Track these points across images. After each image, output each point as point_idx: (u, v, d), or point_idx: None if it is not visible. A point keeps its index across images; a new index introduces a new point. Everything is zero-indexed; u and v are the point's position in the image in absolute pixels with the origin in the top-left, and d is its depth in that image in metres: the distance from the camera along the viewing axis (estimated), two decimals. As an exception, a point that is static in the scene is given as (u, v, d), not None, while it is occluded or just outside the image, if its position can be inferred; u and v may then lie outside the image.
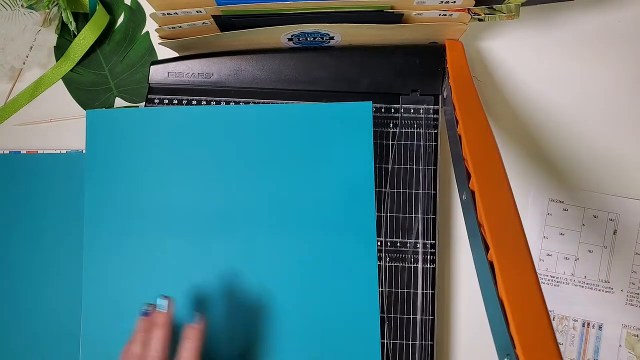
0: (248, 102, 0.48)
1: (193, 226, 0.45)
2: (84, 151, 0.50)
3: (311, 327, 0.44)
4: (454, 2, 0.40)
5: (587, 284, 0.47)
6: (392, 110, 0.47)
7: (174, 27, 0.44)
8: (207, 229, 0.45)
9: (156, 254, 0.45)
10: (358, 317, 0.44)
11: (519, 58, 0.50)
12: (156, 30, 0.44)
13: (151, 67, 0.49)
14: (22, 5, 0.50)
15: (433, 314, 0.45)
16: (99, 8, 0.51)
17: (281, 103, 0.48)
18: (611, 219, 0.47)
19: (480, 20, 0.46)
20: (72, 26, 0.51)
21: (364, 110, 0.46)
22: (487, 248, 0.32)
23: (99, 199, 0.46)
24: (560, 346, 0.47)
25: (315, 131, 0.46)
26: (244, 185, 0.45)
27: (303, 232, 0.45)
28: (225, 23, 0.43)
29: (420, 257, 0.45)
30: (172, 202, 0.45)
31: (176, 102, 0.48)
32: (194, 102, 0.48)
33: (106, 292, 0.45)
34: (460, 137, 0.39)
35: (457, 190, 0.40)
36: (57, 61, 0.52)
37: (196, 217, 0.45)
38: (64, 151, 0.50)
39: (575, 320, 0.47)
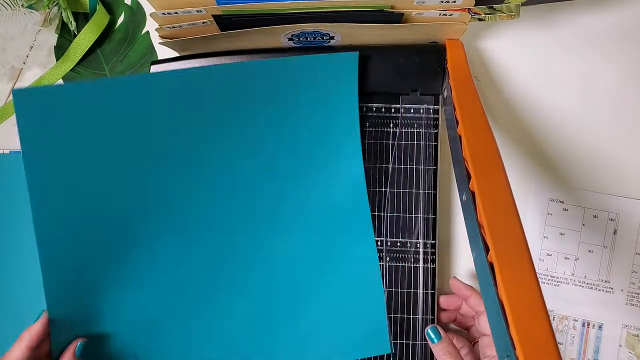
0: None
1: (170, 215, 0.41)
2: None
3: (317, 312, 0.45)
4: (454, 2, 0.40)
5: (587, 284, 0.47)
6: (392, 110, 0.47)
7: (174, 27, 0.44)
8: (186, 212, 0.42)
9: (137, 252, 0.41)
10: (364, 298, 0.45)
11: (519, 58, 0.50)
12: (156, 29, 0.44)
13: (151, 66, 0.49)
14: (22, 5, 0.50)
15: (433, 313, 0.45)
16: (99, 8, 0.51)
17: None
18: (611, 219, 0.47)
19: (480, 20, 0.46)
20: (72, 26, 0.51)
21: (350, 61, 0.43)
22: (487, 249, 0.32)
23: (46, 197, 0.37)
24: (560, 346, 0.47)
25: (299, 88, 0.42)
26: (223, 159, 0.42)
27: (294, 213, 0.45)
28: (226, 23, 0.43)
29: (420, 257, 0.45)
30: (140, 190, 0.40)
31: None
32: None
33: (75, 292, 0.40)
34: (460, 137, 0.39)
35: (457, 190, 0.40)
36: (57, 61, 0.52)
37: (168, 201, 0.41)
38: (64, 151, 0.50)
39: (575, 320, 0.47)
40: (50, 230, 0.38)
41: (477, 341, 0.42)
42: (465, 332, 0.45)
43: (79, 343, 0.40)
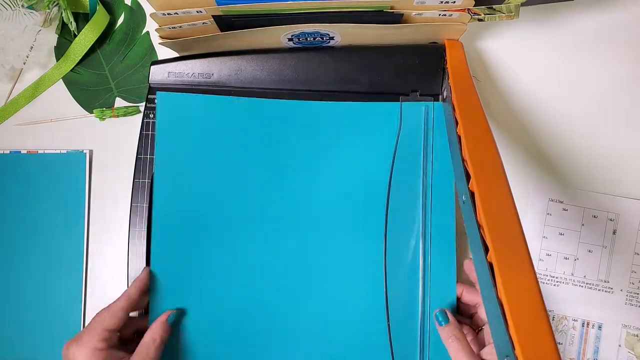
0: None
1: (253, 219, 0.46)
2: (84, 151, 0.50)
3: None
4: (454, 2, 0.40)
5: (587, 283, 0.47)
6: (392, 111, 0.47)
7: (174, 27, 0.44)
8: (266, 221, 0.46)
9: (219, 246, 0.45)
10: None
11: (518, 58, 0.50)
12: (156, 30, 0.44)
13: (151, 67, 0.49)
14: (22, 5, 0.50)
15: (433, 313, 0.45)
16: (99, 8, 0.51)
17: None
18: (611, 219, 0.47)
19: (480, 20, 0.46)
20: (73, 26, 0.51)
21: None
22: (486, 249, 0.32)
23: (167, 183, 0.45)
24: (560, 346, 0.47)
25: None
26: (298, 178, 0.46)
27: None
28: (226, 23, 0.43)
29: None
30: (236, 193, 0.46)
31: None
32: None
33: (173, 280, 0.44)
34: (459, 137, 0.39)
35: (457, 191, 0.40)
36: (57, 61, 0.52)
37: (257, 208, 0.46)
38: (64, 151, 0.50)
39: (575, 320, 0.47)
40: (166, 207, 0.45)
41: (482, 329, 0.42)
42: (468, 319, 0.45)
43: (174, 312, 0.43)
